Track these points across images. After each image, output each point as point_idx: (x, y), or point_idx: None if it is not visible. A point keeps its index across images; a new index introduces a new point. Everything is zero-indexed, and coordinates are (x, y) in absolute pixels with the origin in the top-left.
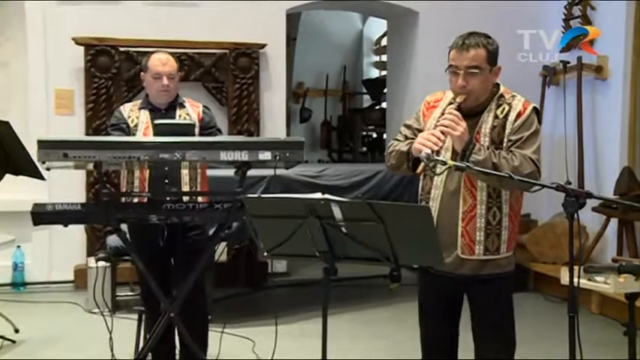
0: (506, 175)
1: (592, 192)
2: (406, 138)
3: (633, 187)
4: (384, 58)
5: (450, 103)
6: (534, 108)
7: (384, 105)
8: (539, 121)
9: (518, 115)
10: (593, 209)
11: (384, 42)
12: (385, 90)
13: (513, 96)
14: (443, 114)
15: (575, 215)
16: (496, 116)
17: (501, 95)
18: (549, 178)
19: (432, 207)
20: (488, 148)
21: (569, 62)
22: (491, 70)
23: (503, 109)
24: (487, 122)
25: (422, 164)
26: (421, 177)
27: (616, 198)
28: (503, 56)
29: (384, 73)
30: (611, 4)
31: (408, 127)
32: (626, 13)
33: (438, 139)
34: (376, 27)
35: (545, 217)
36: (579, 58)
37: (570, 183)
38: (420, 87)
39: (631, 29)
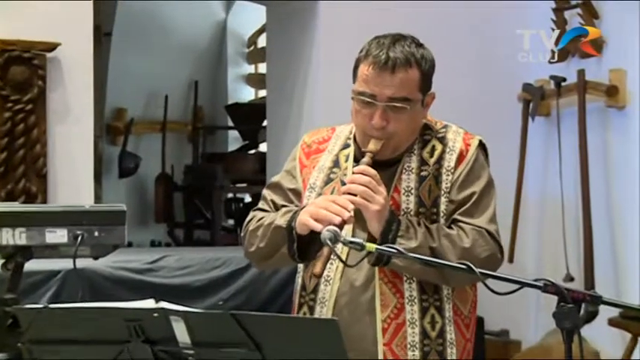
0: (464, 266)
1: (603, 294)
2: (276, 207)
3: None
4: (263, 68)
5: (346, 144)
6: (480, 143)
7: (262, 147)
8: (487, 161)
9: (460, 157)
10: (611, 322)
11: (261, 42)
12: (265, 122)
13: (445, 126)
14: (336, 165)
15: (578, 333)
16: (423, 161)
17: (426, 127)
18: (538, 270)
19: (321, 314)
20: (420, 224)
21: (564, 79)
22: (423, 100)
23: (433, 148)
24: (410, 172)
25: (323, 255)
26: (299, 265)
27: None
28: (466, 64)
29: (262, 93)
30: None
31: (278, 188)
32: None
33: (344, 208)
34: (248, 17)
35: (533, 337)
36: (581, 73)
37: (572, 279)
38: (323, 117)
39: None
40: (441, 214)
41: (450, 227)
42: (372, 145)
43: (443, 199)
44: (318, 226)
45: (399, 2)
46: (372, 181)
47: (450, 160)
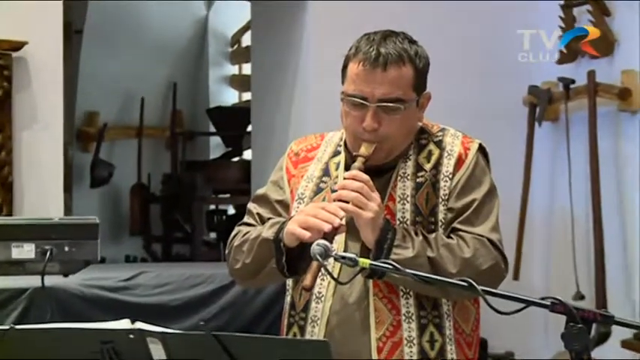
0: (464, 284)
1: (615, 314)
2: (262, 221)
3: None
4: (247, 69)
5: (337, 151)
6: (480, 147)
7: (246, 155)
8: (489, 167)
9: (459, 162)
10: (624, 344)
11: (245, 40)
12: (249, 128)
13: (442, 130)
14: (326, 174)
15: (589, 355)
16: (419, 167)
17: (422, 130)
18: (545, 287)
19: (313, 334)
20: (417, 233)
21: (573, 81)
22: (418, 101)
23: (430, 152)
24: (406, 179)
25: (313, 267)
26: (287, 283)
27: None
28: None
29: (246, 96)
30: None
31: (264, 200)
32: None
33: (335, 215)
34: (231, 13)
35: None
36: (591, 75)
37: (582, 297)
38: (312, 122)
39: None
40: (440, 224)
41: (449, 237)
42: (364, 149)
43: (441, 207)
44: (306, 234)
45: (394, 1)
46: (364, 187)
47: (448, 165)
